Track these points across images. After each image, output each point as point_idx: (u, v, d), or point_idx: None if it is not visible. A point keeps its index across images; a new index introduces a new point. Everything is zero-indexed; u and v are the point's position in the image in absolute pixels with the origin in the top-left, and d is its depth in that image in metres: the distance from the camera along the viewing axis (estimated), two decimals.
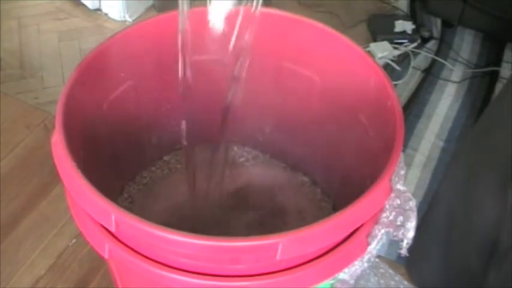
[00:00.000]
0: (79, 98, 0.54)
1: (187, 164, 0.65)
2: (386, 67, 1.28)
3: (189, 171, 0.65)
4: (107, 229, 0.47)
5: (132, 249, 0.47)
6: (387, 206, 0.49)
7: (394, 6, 1.48)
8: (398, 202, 0.49)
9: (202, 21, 0.55)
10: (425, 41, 1.37)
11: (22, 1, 1.42)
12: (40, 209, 0.95)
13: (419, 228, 0.49)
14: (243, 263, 0.46)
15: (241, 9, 0.54)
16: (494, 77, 1.29)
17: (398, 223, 0.49)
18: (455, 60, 1.33)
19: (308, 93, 0.67)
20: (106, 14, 1.39)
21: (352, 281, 0.52)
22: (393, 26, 1.37)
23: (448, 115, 1.20)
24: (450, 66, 1.31)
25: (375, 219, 0.50)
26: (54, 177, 0.95)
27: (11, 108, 1.13)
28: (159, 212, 0.70)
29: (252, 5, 0.53)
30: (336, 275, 0.50)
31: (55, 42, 1.31)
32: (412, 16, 1.43)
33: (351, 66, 0.61)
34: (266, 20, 0.64)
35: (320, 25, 0.62)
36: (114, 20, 1.38)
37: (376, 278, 0.67)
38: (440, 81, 1.28)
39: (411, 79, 1.28)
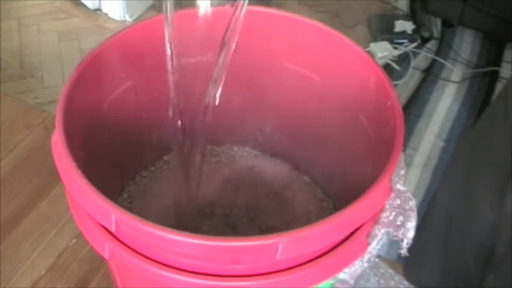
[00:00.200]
0: (79, 98, 0.54)
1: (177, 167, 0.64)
2: (387, 67, 1.28)
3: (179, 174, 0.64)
4: (107, 229, 0.47)
5: (132, 249, 0.47)
6: (387, 206, 0.49)
7: (394, 6, 1.48)
8: (398, 202, 0.49)
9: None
10: (425, 41, 1.37)
11: (22, 1, 1.42)
12: (40, 209, 0.95)
13: (417, 230, 0.49)
14: (243, 263, 0.46)
15: (225, 8, 0.53)
16: (494, 77, 1.29)
17: (399, 223, 0.49)
18: (455, 60, 1.33)
19: (308, 93, 0.67)
20: (106, 14, 1.39)
21: (352, 281, 0.52)
22: (393, 26, 1.37)
23: (448, 115, 1.20)
24: (450, 66, 1.31)
25: (375, 219, 0.50)
26: (54, 177, 0.96)
27: (11, 108, 1.13)
28: (159, 212, 0.70)
29: (237, 5, 0.52)
30: (336, 275, 0.50)
31: (55, 42, 1.31)
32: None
33: (351, 66, 0.61)
34: (266, 20, 0.64)
35: (320, 25, 0.62)
36: (114, 20, 1.38)
37: (376, 278, 0.67)
38: (440, 81, 1.28)
39: (411, 79, 1.28)
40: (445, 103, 1.23)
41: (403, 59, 1.32)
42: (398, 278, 0.68)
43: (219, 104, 0.59)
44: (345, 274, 0.50)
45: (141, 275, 0.49)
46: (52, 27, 1.35)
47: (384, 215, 0.49)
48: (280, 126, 0.73)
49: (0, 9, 1.37)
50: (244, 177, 0.74)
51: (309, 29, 0.63)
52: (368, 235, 0.50)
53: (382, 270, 0.68)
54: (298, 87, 0.67)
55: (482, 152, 0.64)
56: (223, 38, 0.53)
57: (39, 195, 0.97)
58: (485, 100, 1.23)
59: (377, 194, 0.47)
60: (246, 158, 0.78)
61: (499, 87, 1.26)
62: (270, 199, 0.72)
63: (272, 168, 0.76)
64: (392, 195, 0.49)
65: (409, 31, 1.36)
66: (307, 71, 0.65)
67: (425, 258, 0.74)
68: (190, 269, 0.46)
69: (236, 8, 0.51)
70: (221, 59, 0.54)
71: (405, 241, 0.49)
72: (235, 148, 0.78)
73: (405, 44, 1.34)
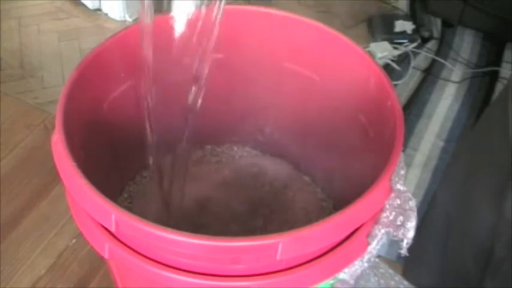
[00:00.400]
0: (79, 98, 0.54)
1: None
2: (387, 67, 1.28)
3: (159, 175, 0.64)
4: (107, 229, 0.47)
5: (132, 249, 0.47)
6: (387, 206, 0.49)
7: (394, 6, 1.48)
8: (398, 202, 0.49)
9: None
10: (425, 41, 1.37)
11: (22, 1, 1.42)
12: (40, 209, 0.95)
13: (417, 230, 0.49)
14: (243, 263, 0.46)
15: (203, 10, 0.53)
16: (494, 77, 1.29)
17: (399, 223, 0.49)
18: (455, 60, 1.33)
19: (308, 93, 0.67)
20: (106, 14, 1.39)
21: (352, 281, 0.52)
22: (393, 26, 1.37)
23: (448, 115, 1.20)
24: (450, 66, 1.31)
25: (375, 219, 0.50)
26: (54, 177, 0.96)
27: (11, 108, 1.13)
28: (159, 212, 0.70)
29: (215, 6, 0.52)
30: (336, 275, 0.50)
31: (55, 42, 1.31)
32: (412, 16, 1.42)
33: (351, 66, 0.61)
34: (266, 20, 0.64)
35: (320, 25, 0.62)
36: (114, 20, 1.38)
37: (376, 278, 0.67)
38: (440, 81, 1.28)
39: (411, 79, 1.28)
40: (445, 103, 1.23)
41: (403, 59, 1.32)
42: (398, 278, 0.68)
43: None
44: (345, 274, 0.50)
45: (141, 275, 0.49)
46: (52, 27, 1.35)
47: (384, 215, 0.49)
48: (280, 126, 0.73)
49: (0, 9, 1.37)
50: (244, 177, 0.74)
51: (309, 29, 0.63)
52: (368, 235, 0.50)
53: (382, 270, 0.68)
54: (298, 87, 0.67)
55: (482, 152, 0.64)
56: (200, 40, 0.53)
57: (39, 195, 0.97)
58: (485, 100, 1.23)
59: (377, 194, 0.47)
60: (246, 158, 0.78)
61: (499, 87, 1.26)
62: (270, 199, 0.72)
63: (272, 168, 0.76)
64: (392, 195, 0.49)
65: (409, 31, 1.36)
66: (307, 71, 0.65)
67: (425, 258, 0.74)
68: (190, 269, 0.46)
69: (212, 9, 0.51)
70: (201, 61, 0.53)
71: (405, 241, 0.49)
72: (235, 148, 0.78)
73: (405, 44, 1.34)
